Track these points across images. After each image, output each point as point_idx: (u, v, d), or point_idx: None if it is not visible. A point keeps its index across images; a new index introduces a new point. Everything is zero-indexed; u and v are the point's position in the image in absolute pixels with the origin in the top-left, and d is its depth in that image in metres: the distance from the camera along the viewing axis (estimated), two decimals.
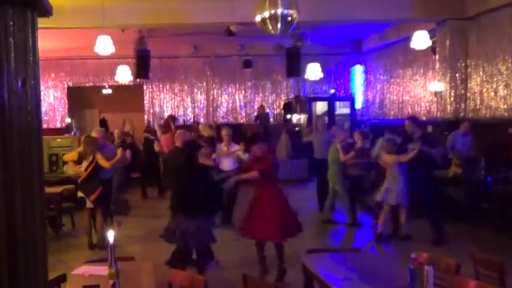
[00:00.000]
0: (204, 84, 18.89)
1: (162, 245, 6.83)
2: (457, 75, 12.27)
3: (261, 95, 19.01)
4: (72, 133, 16.33)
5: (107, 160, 8.28)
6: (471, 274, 4.46)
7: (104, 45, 11.90)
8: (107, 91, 19.66)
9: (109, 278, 3.64)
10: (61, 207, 9.72)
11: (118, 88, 18.96)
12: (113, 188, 9.81)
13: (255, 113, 18.56)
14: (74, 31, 12.76)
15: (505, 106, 11.05)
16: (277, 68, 18.05)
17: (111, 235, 3.60)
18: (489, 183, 9.72)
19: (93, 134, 8.70)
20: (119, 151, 8.59)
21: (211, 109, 18.87)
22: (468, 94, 12.25)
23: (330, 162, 10.02)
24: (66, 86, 18.50)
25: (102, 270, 3.93)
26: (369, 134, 11.36)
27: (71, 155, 8.74)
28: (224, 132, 10.05)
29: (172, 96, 18.85)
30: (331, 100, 17.59)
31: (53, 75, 18.29)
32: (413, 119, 9.36)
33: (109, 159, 8.34)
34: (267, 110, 18.44)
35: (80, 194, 8.58)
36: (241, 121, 18.57)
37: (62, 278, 4.19)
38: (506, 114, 11.01)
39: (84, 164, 8.28)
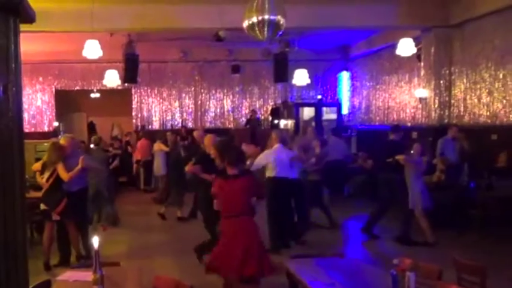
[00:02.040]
0: (192, 89, 18.93)
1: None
2: (442, 82, 12.45)
3: (248, 100, 19.10)
4: (60, 137, 16.32)
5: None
6: (453, 279, 4.52)
7: (92, 49, 11.91)
8: (95, 95, 19.64)
9: (93, 284, 3.62)
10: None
11: (106, 92, 18.95)
12: (89, 198, 9.20)
13: (245, 118, 18.65)
14: (62, 35, 12.75)
15: (488, 113, 11.24)
16: (265, 73, 18.17)
17: (95, 241, 3.60)
18: (472, 189, 9.80)
19: (61, 142, 8.05)
20: (80, 160, 7.67)
21: (199, 114, 18.91)
22: (452, 101, 12.44)
23: None
24: (54, 89, 18.39)
25: (87, 275, 3.90)
26: (326, 142, 11.38)
27: (36, 165, 8.03)
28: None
29: (161, 100, 18.86)
30: (318, 106, 17.71)
31: (40, 78, 18.20)
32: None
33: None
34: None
35: (42, 206, 7.80)
36: (229, 126, 18.65)
37: (47, 284, 4.15)
38: (489, 120, 11.20)
39: (46, 174, 7.65)
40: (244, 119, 18.71)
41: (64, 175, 7.48)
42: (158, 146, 13.63)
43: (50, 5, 10.84)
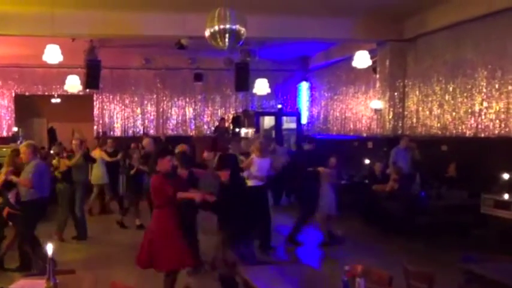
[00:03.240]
0: (155, 96, 18.96)
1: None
2: (396, 94, 12.87)
3: (210, 108, 19.25)
4: (19, 142, 16.10)
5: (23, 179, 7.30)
6: (403, 286, 4.65)
7: (53, 54, 11.73)
8: (55, 100, 19.42)
9: None
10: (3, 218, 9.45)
11: (67, 97, 18.76)
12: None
13: (207, 126, 18.81)
14: (23, 38, 12.64)
15: (439, 125, 11.67)
16: (227, 82, 18.34)
17: (49, 248, 3.63)
18: (423, 198, 10.05)
19: (21, 149, 7.63)
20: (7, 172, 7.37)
21: (161, 121, 18.95)
22: (405, 112, 12.86)
23: None
24: (13, 94, 18.14)
25: (40, 284, 3.80)
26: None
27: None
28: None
29: (123, 107, 18.81)
30: (278, 115, 17.99)
31: (0, 82, 17.99)
32: None
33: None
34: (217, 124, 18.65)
35: None
36: (191, 134, 18.75)
37: None
38: (440, 132, 11.62)
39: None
40: (206, 127, 18.88)
41: None
42: (99, 154, 12.12)
43: (10, 8, 10.79)
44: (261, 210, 9.06)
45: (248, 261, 5.77)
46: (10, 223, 7.79)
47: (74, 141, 10.32)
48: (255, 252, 6.85)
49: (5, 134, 17.93)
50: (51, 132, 20.46)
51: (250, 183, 8.96)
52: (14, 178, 7.32)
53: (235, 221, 6.11)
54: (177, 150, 7.69)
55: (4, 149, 13.46)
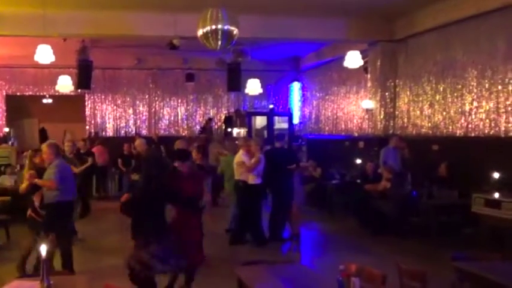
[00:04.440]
0: (147, 96, 18.94)
1: None
2: (387, 94, 12.94)
3: (202, 108, 19.26)
4: (10, 143, 16.05)
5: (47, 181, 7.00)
6: (396, 284, 4.71)
7: (44, 54, 11.63)
8: (47, 101, 19.38)
9: None
10: None
11: (59, 98, 18.74)
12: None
13: (199, 126, 18.83)
14: (14, 38, 12.55)
15: (429, 124, 11.75)
16: (219, 82, 18.39)
17: (43, 249, 3.62)
18: (414, 198, 10.17)
19: (43, 149, 7.30)
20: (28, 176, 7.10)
21: (153, 121, 18.94)
22: (396, 112, 12.93)
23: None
24: (4, 94, 18.06)
25: (34, 285, 3.78)
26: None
27: None
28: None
29: (115, 107, 18.78)
30: (270, 115, 18.03)
31: None
32: None
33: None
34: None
35: None
36: (183, 133, 18.74)
37: None
38: (430, 132, 11.70)
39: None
40: (198, 127, 18.89)
41: (20, 186, 7.26)
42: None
43: (1, 9, 10.74)
44: (258, 207, 9.59)
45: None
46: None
47: (66, 143, 10.25)
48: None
49: None
50: (43, 133, 20.41)
51: (253, 181, 9.29)
52: (38, 181, 6.98)
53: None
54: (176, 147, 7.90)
55: None
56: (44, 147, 7.18)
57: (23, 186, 7.14)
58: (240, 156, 9.51)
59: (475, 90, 10.45)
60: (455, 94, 10.98)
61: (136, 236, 5.82)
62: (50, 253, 6.78)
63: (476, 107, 10.40)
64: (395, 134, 12.36)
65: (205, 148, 11.96)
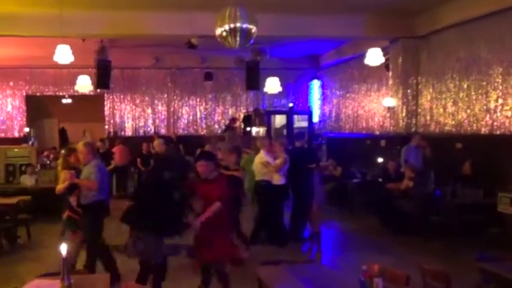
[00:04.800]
0: (165, 95, 18.96)
1: None
2: (409, 91, 12.73)
3: (221, 107, 19.23)
4: (30, 143, 16.18)
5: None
6: (419, 285, 4.61)
7: (63, 54, 11.68)
8: (66, 101, 19.52)
9: None
10: (17, 218, 9.54)
11: (78, 98, 18.87)
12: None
13: (218, 125, 18.79)
14: (33, 39, 12.65)
15: (453, 122, 11.53)
16: (238, 81, 18.35)
17: (63, 248, 3.56)
18: (438, 197, 10.00)
19: (79, 148, 7.13)
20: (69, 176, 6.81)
21: (172, 121, 18.95)
22: (419, 110, 12.72)
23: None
24: (24, 94, 18.25)
25: (55, 284, 3.75)
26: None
27: None
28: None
29: (133, 107, 18.84)
30: (289, 114, 17.90)
31: (11, 83, 18.06)
32: None
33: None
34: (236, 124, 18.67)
35: None
36: (202, 133, 18.73)
37: None
38: (454, 129, 11.48)
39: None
40: (217, 126, 18.86)
41: (58, 186, 6.95)
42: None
43: (18, 9, 10.79)
44: (281, 207, 9.56)
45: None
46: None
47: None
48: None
49: (16, 134, 18.05)
50: (63, 133, 20.57)
51: (278, 181, 9.23)
52: (79, 181, 6.82)
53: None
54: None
55: (16, 150, 13.53)
56: (81, 146, 7.04)
57: (61, 186, 6.89)
58: (263, 156, 9.39)
59: (500, 87, 10.22)
60: (480, 91, 10.75)
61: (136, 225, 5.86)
62: (76, 253, 6.89)
63: (502, 105, 10.17)
64: (417, 132, 12.17)
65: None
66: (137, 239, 5.72)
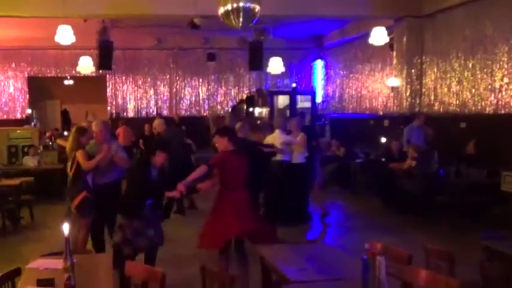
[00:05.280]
0: (168, 76, 18.89)
1: None
2: (413, 71, 12.65)
3: (224, 88, 19.16)
4: (33, 124, 16.17)
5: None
6: (422, 264, 4.55)
7: (65, 35, 11.69)
8: (68, 82, 19.45)
9: (64, 272, 3.53)
10: (19, 199, 9.59)
11: (80, 79, 18.80)
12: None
13: (225, 106, 18.77)
14: (35, 20, 12.59)
15: (457, 102, 11.47)
16: (240, 61, 18.26)
17: (66, 228, 3.53)
18: (442, 176, 10.03)
19: (93, 128, 6.98)
20: (104, 148, 6.69)
21: (174, 102, 18.90)
22: (423, 90, 12.65)
23: None
24: (26, 76, 18.21)
25: (58, 263, 3.73)
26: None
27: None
28: None
29: (136, 88, 18.79)
30: (292, 94, 17.79)
31: (13, 65, 18.01)
32: None
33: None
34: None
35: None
36: (204, 114, 18.69)
37: (17, 272, 4.02)
38: (458, 109, 11.43)
39: (69, 164, 6.70)
40: (220, 107, 18.81)
41: (85, 163, 6.51)
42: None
43: None
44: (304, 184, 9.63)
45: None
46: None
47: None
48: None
49: (19, 116, 18.05)
50: (65, 114, 20.54)
51: (297, 160, 9.26)
52: (116, 156, 6.71)
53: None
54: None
55: (19, 131, 13.53)
56: (96, 125, 6.93)
57: (96, 160, 6.57)
58: (280, 135, 9.26)
59: (505, 66, 10.15)
60: (485, 70, 10.68)
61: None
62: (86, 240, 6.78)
63: (507, 84, 10.11)
64: (421, 112, 12.09)
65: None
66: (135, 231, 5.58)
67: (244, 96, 18.85)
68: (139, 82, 18.76)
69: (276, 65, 15.70)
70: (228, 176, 5.75)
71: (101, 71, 16.35)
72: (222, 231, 5.62)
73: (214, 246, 5.79)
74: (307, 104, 17.87)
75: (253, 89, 18.86)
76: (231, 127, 7.68)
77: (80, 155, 6.49)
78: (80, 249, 6.20)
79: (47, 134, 15.32)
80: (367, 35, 12.79)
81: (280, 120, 10.07)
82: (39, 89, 19.14)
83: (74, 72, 17.37)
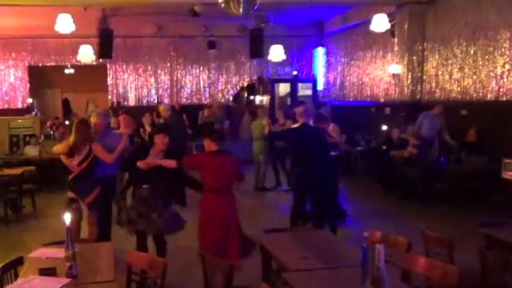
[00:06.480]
0: (168, 64, 18.82)
1: None
2: (414, 58, 12.59)
3: (225, 76, 19.08)
4: (34, 113, 16.17)
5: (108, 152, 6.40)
6: (422, 251, 4.61)
7: (65, 24, 11.65)
8: (69, 71, 19.39)
9: (66, 261, 3.59)
10: (21, 188, 9.60)
11: (81, 68, 18.72)
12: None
13: (221, 94, 18.69)
14: (35, 9, 12.56)
15: (459, 89, 11.43)
16: (241, 49, 18.15)
17: (67, 217, 3.58)
18: (442, 164, 10.04)
19: (92, 119, 6.73)
20: (122, 139, 6.61)
21: (175, 90, 18.85)
22: (424, 77, 12.60)
23: (256, 137, 11.31)
24: (27, 65, 18.12)
25: (60, 252, 3.81)
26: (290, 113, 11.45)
27: (60, 147, 6.56)
28: None
29: (136, 76, 18.71)
30: (293, 82, 17.76)
31: (13, 54, 17.90)
32: None
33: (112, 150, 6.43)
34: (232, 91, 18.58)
35: (70, 195, 6.48)
36: (205, 102, 18.65)
37: (19, 261, 4.06)
38: (460, 96, 11.39)
39: (77, 157, 6.32)
40: (220, 95, 18.78)
41: (106, 156, 6.33)
42: None
43: None
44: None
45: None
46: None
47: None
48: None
49: (19, 105, 17.98)
50: (66, 103, 20.52)
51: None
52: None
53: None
54: None
55: (20, 121, 13.55)
56: (100, 117, 6.71)
57: (114, 154, 6.40)
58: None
59: (507, 53, 10.10)
60: (487, 57, 10.62)
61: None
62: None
63: (509, 70, 10.07)
64: (442, 101, 11.54)
65: None
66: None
67: (245, 84, 18.82)
68: (140, 70, 18.68)
69: (276, 53, 15.61)
70: (209, 179, 5.61)
71: (101, 60, 16.28)
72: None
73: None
74: (308, 92, 17.88)
75: (254, 77, 18.83)
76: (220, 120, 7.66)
77: (98, 148, 6.30)
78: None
79: (48, 123, 15.33)
80: (368, 21, 12.67)
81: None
82: (40, 78, 19.09)
83: (74, 61, 17.28)
